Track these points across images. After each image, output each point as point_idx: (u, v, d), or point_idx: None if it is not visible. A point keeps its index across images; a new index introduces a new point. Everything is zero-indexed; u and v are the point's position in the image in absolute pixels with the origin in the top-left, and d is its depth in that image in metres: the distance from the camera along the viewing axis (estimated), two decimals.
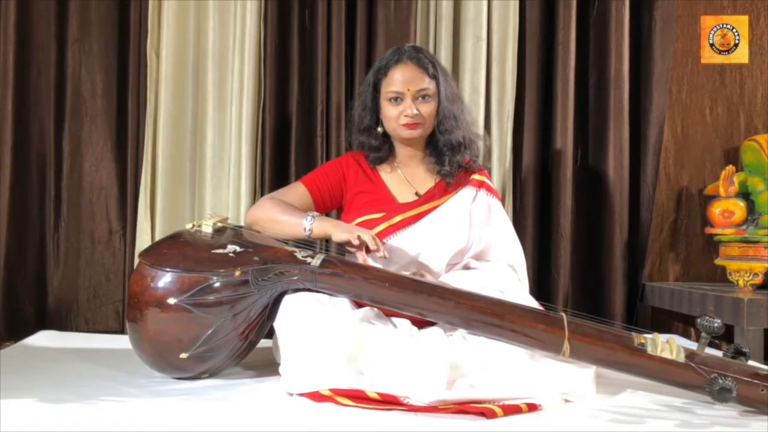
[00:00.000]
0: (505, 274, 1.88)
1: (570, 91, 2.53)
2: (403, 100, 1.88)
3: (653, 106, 2.58)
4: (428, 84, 1.90)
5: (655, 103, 2.57)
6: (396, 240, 1.84)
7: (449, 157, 1.92)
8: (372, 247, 1.69)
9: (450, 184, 1.93)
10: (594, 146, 2.61)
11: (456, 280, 1.76)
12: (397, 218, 1.86)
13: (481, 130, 2.46)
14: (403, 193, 1.95)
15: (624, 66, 2.55)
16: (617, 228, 2.54)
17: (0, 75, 2.40)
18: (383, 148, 1.99)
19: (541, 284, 2.55)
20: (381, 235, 1.81)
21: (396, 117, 1.89)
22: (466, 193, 1.94)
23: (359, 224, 1.85)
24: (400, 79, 1.88)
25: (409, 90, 1.87)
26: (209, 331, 1.57)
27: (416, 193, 1.95)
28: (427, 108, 1.90)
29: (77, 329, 2.47)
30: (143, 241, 2.39)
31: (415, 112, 1.87)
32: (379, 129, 1.97)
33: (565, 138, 2.53)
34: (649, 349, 1.49)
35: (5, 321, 2.39)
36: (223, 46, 2.48)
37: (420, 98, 1.89)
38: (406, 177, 1.98)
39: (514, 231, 2.02)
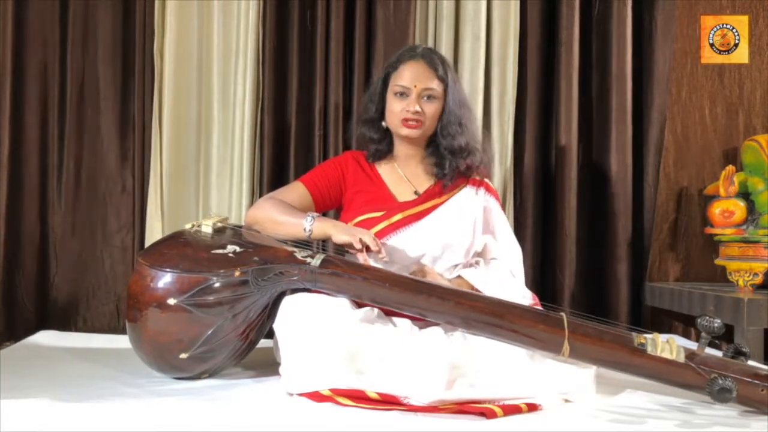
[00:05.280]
0: (508, 273, 1.89)
1: (573, 91, 2.53)
2: (408, 96, 1.88)
3: (654, 106, 2.58)
4: (435, 85, 1.89)
5: (656, 103, 2.57)
6: (396, 239, 1.83)
7: (449, 161, 1.91)
8: (374, 248, 1.68)
9: (447, 186, 1.92)
10: (597, 146, 2.61)
11: (473, 276, 1.79)
12: (397, 217, 1.85)
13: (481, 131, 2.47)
14: (403, 191, 1.94)
15: (626, 66, 2.54)
16: (621, 228, 2.54)
17: None
18: (383, 142, 1.99)
19: (544, 285, 2.54)
20: (380, 234, 1.80)
21: (399, 112, 1.88)
22: (467, 192, 1.93)
23: (359, 223, 1.85)
24: (408, 74, 1.88)
25: (415, 87, 1.87)
26: (209, 332, 1.57)
27: (415, 192, 1.94)
28: (431, 108, 1.89)
29: (77, 329, 2.47)
30: (153, 240, 2.38)
31: (417, 109, 1.86)
32: (383, 124, 1.97)
33: (569, 138, 2.53)
34: (649, 349, 1.49)
35: (5, 321, 2.39)
36: (226, 48, 2.49)
37: (425, 97, 1.89)
38: (405, 176, 1.97)
39: (512, 231, 2.02)
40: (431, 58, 1.92)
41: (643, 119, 2.60)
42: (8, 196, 2.41)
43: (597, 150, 2.61)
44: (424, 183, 1.96)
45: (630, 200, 2.57)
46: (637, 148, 2.60)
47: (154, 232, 2.41)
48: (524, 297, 1.79)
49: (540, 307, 1.79)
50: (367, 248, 1.69)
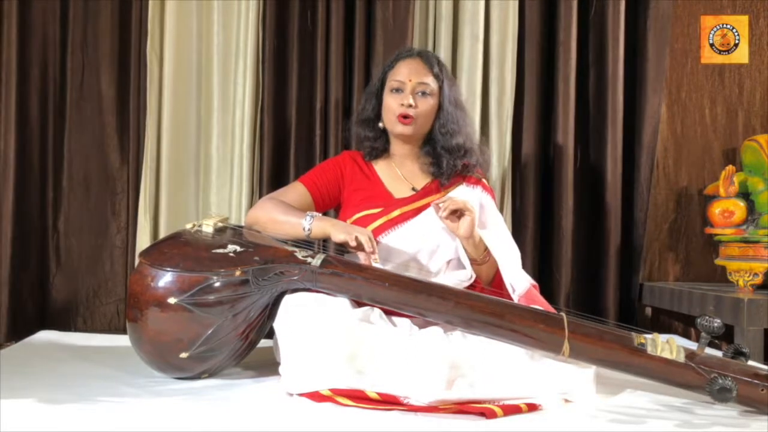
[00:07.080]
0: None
1: (571, 91, 2.53)
2: (403, 91, 1.89)
3: (647, 106, 2.58)
4: (430, 81, 1.90)
5: (649, 102, 2.57)
6: (394, 235, 1.83)
7: (446, 160, 1.91)
8: (367, 249, 1.67)
9: (444, 185, 1.92)
10: (593, 146, 2.61)
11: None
12: (395, 213, 1.85)
13: (478, 134, 2.46)
14: (400, 188, 1.95)
15: (620, 66, 2.54)
16: (613, 228, 2.54)
17: (3, 78, 2.40)
18: (379, 140, 1.99)
19: (542, 284, 2.53)
20: (379, 231, 1.81)
21: (394, 109, 1.89)
22: (464, 189, 1.92)
23: (357, 220, 1.85)
24: (404, 70, 1.91)
25: (410, 81, 1.89)
26: (209, 331, 1.57)
27: (413, 189, 1.94)
28: (425, 104, 1.90)
29: (78, 329, 2.47)
30: (143, 241, 2.39)
31: (411, 102, 1.87)
32: (380, 124, 1.97)
33: (566, 138, 2.53)
34: (649, 349, 1.49)
35: (7, 320, 2.39)
36: (226, 48, 2.49)
37: (420, 93, 1.90)
38: (402, 174, 1.97)
39: (508, 230, 2.01)
40: (427, 56, 1.96)
41: (637, 119, 2.60)
42: (14, 196, 2.41)
43: (594, 149, 2.61)
44: (421, 181, 1.96)
45: (625, 199, 2.57)
46: (631, 148, 2.60)
47: (143, 234, 2.42)
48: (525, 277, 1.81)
49: (539, 294, 1.81)
50: (361, 248, 1.68)
